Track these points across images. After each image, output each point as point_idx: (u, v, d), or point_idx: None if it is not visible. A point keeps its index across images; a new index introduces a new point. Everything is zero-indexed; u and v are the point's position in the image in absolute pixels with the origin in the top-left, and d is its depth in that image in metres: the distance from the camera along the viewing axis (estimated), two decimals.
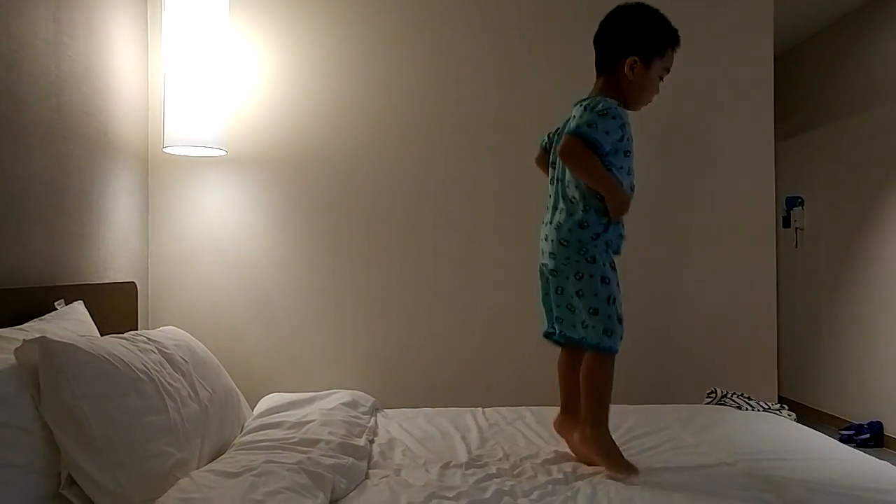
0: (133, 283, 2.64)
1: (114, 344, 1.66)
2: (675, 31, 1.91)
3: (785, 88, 5.09)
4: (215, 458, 1.75)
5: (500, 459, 1.91)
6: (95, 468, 1.41)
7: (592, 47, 1.96)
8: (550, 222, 1.91)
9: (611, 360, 1.84)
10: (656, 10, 1.91)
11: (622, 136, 1.82)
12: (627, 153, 1.85)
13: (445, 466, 1.84)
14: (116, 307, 2.47)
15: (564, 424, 1.98)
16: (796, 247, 5.26)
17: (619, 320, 1.84)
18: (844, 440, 4.06)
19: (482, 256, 3.00)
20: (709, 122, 3.07)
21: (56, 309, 1.99)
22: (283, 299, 2.96)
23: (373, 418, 2.31)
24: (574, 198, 1.86)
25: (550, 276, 1.92)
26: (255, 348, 2.94)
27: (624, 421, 2.29)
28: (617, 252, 1.89)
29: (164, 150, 2.69)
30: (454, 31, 3.02)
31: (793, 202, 5.25)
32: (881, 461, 1.85)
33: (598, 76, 1.96)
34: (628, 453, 1.92)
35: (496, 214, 3.00)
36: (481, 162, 3.01)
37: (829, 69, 4.91)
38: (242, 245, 2.95)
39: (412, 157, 3.00)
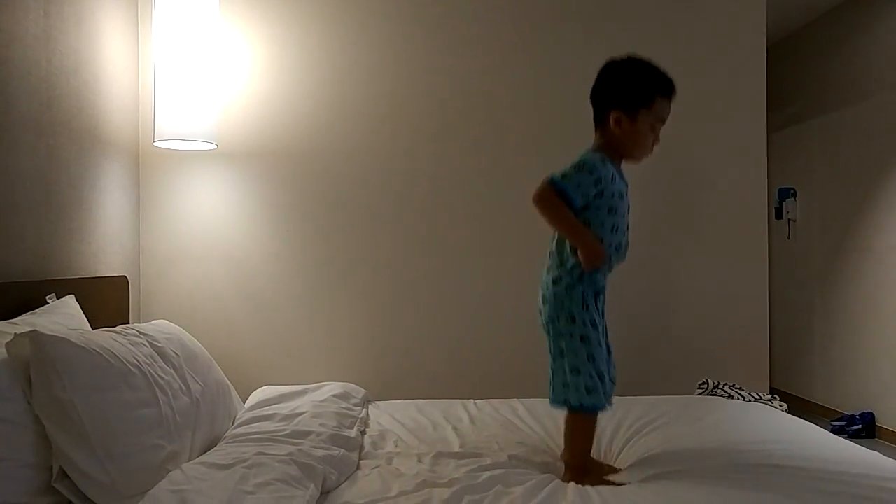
0: (124, 276, 2.64)
1: (105, 337, 1.66)
2: (666, 78, 1.86)
3: (778, 78, 5.09)
4: (206, 451, 1.76)
5: (492, 450, 1.91)
6: (87, 461, 1.42)
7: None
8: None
9: (594, 417, 1.83)
10: (644, 62, 1.86)
11: (600, 192, 1.79)
12: (612, 210, 1.82)
13: (437, 456, 1.85)
14: (108, 301, 2.47)
15: None
16: (789, 238, 5.28)
17: (601, 377, 1.80)
18: (836, 431, 4.09)
19: (474, 249, 3.01)
20: (700, 113, 3.07)
21: (47, 303, 2.00)
22: (275, 292, 2.96)
23: (364, 410, 2.32)
24: (552, 252, 1.88)
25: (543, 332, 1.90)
26: (247, 341, 2.94)
27: (615, 412, 2.29)
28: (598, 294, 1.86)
29: (154, 143, 2.68)
30: (447, 25, 3.01)
31: (785, 193, 5.26)
32: (872, 451, 1.86)
33: (595, 130, 1.93)
34: (619, 444, 1.94)
35: (489, 208, 3.01)
36: (473, 156, 3.01)
37: (823, 59, 4.91)
38: (233, 239, 2.95)
39: (404, 151, 3.00)
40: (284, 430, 1.86)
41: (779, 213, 5.32)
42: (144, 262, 2.92)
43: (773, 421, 2.19)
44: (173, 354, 1.86)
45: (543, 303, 1.86)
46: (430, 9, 3.01)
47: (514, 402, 2.48)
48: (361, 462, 1.82)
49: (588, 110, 1.93)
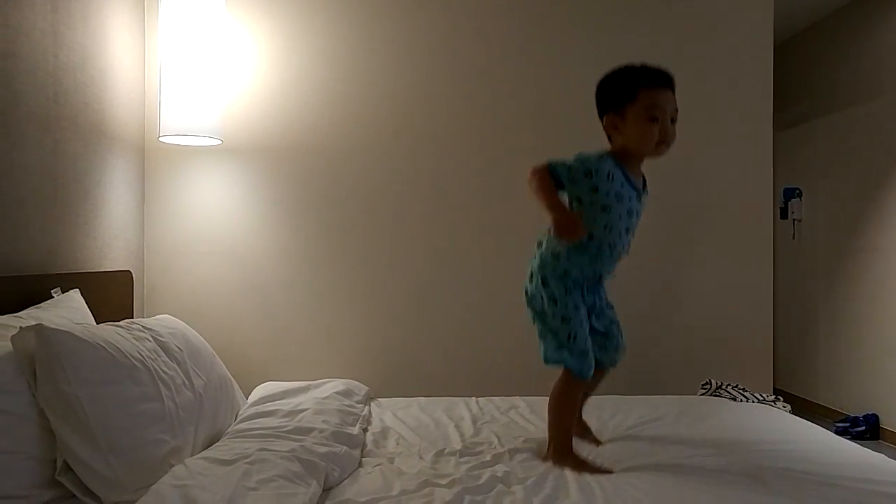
0: (129, 271, 2.65)
1: (109, 332, 1.67)
2: (648, 70, 1.88)
3: (784, 78, 5.08)
4: (209, 446, 1.76)
5: (494, 447, 1.92)
6: (90, 455, 1.43)
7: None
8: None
9: (578, 386, 1.90)
10: (628, 65, 1.90)
11: (594, 188, 1.84)
12: (606, 208, 1.86)
13: (439, 454, 1.85)
14: (112, 296, 2.48)
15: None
16: (794, 238, 5.26)
17: (583, 353, 1.87)
18: (840, 432, 4.08)
19: (476, 247, 3.01)
20: (706, 112, 3.06)
21: (52, 297, 2.00)
22: (279, 288, 2.97)
23: (366, 407, 2.32)
24: (541, 241, 1.98)
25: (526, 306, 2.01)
26: (250, 337, 2.95)
27: (618, 412, 2.30)
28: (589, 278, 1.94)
29: (160, 139, 2.69)
30: (451, 23, 3.01)
31: (790, 193, 5.24)
32: (876, 453, 1.85)
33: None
34: (621, 444, 1.93)
35: (491, 206, 3.01)
36: (476, 154, 3.01)
37: (829, 59, 4.89)
38: (238, 234, 2.96)
39: (407, 149, 3.00)
40: (287, 426, 1.86)
41: (784, 213, 5.30)
42: (149, 257, 2.93)
43: (777, 422, 2.18)
44: (177, 349, 1.87)
45: (529, 280, 1.98)
46: (435, 7, 3.01)
47: (516, 398, 2.49)
48: (363, 459, 1.82)
49: (592, 111, 1.96)
